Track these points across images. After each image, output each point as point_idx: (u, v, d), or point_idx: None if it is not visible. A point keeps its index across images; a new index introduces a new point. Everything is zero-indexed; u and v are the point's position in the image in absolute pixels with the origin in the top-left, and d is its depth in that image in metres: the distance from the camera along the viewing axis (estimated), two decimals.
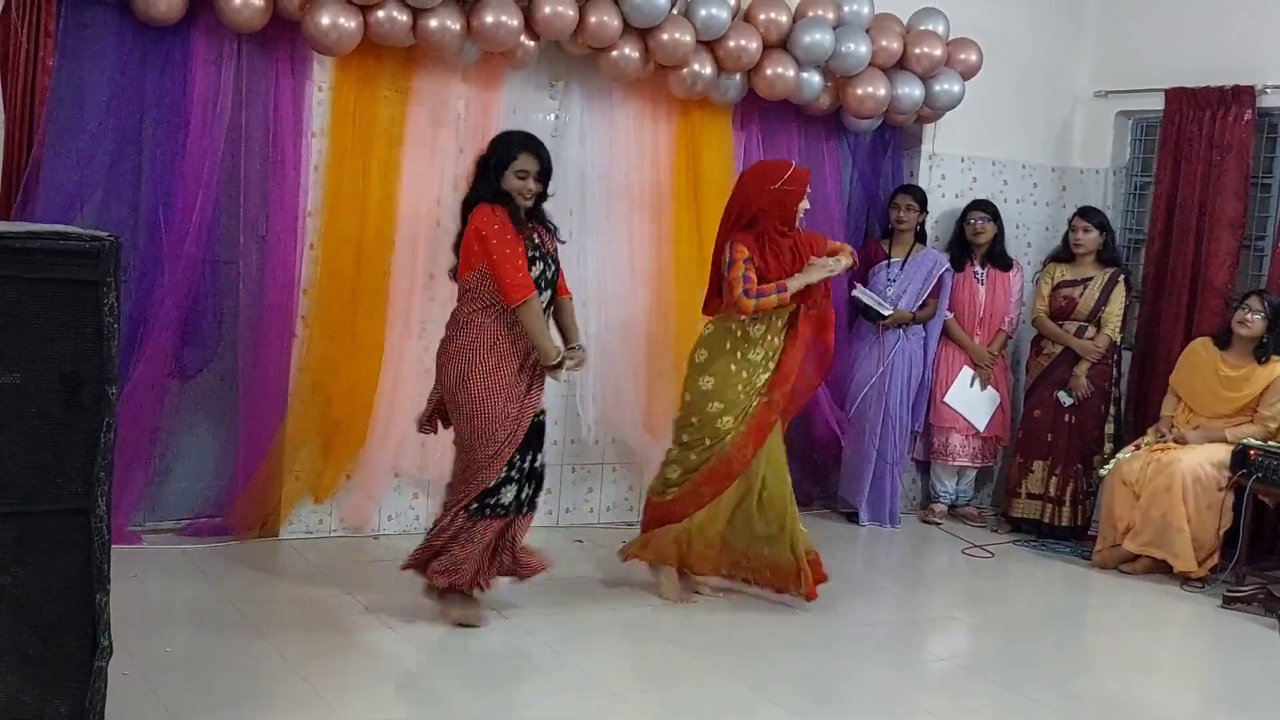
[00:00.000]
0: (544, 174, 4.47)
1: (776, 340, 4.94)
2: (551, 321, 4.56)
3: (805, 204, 4.91)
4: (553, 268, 4.51)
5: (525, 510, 4.56)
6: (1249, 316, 5.92)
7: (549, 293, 4.49)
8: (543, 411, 4.57)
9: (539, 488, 4.61)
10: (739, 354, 4.91)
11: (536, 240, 4.46)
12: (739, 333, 4.90)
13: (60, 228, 2.97)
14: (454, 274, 4.52)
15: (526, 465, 4.50)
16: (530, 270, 4.38)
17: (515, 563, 4.59)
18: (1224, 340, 6.06)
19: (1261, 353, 5.92)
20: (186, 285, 5.06)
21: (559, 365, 4.43)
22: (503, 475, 4.42)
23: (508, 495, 4.45)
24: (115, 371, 2.87)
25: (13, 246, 2.74)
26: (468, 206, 4.46)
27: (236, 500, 5.29)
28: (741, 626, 4.93)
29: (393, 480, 5.63)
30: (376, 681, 4.10)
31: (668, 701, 4.11)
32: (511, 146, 4.45)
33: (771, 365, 4.94)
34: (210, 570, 4.96)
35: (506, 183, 4.40)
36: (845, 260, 4.97)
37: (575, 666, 4.42)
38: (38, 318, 2.76)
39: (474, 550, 4.44)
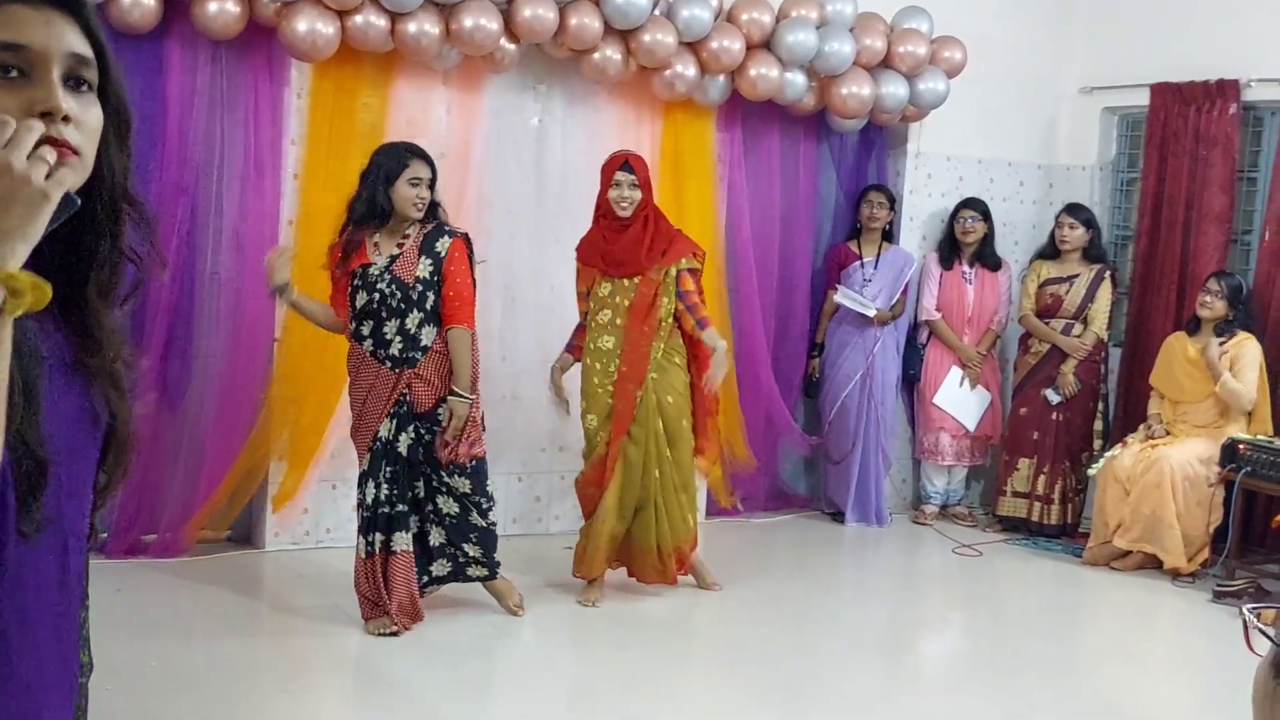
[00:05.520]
0: (433, 182, 4.43)
1: (621, 320, 4.87)
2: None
3: (620, 191, 4.78)
4: (398, 301, 4.32)
5: (375, 549, 4.38)
6: (1208, 299, 5.96)
7: (388, 323, 4.33)
8: (390, 441, 4.40)
9: (394, 531, 4.41)
10: (591, 344, 4.92)
11: (368, 269, 4.34)
12: (591, 322, 4.93)
13: None
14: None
15: (372, 496, 4.40)
16: (355, 299, 4.36)
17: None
18: (1193, 327, 6.09)
19: (1224, 329, 5.93)
20: (165, 295, 5.02)
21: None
22: (358, 496, 4.46)
23: (360, 519, 4.44)
24: None
25: None
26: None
27: (207, 512, 5.23)
28: (730, 629, 4.90)
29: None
30: (362, 692, 4.07)
31: (656, 706, 4.07)
32: (402, 155, 4.37)
33: (618, 352, 4.86)
34: (194, 582, 4.92)
35: (398, 192, 4.31)
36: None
37: (564, 672, 4.40)
38: None
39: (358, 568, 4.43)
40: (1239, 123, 6.37)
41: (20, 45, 1.21)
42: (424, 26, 5.08)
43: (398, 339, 4.34)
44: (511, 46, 5.36)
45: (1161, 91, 6.64)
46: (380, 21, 5.03)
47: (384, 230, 4.38)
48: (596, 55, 5.51)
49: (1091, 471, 6.17)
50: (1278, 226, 6.16)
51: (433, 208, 4.43)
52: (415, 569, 4.45)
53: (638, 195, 4.82)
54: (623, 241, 4.84)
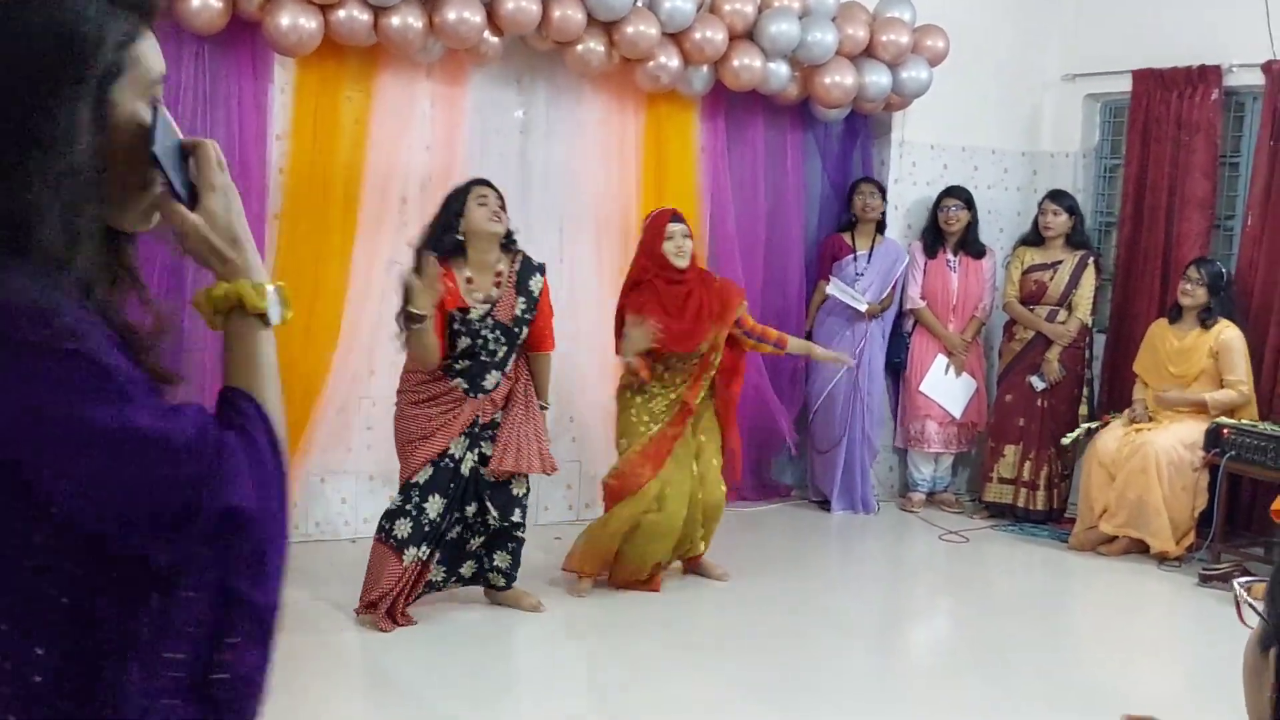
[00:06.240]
0: (503, 204, 4.50)
1: (674, 394, 4.97)
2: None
3: (675, 242, 4.88)
4: (502, 345, 4.46)
5: (424, 562, 4.45)
6: (1188, 287, 5.99)
7: (491, 372, 4.46)
8: (470, 465, 4.50)
9: (442, 554, 4.53)
10: (639, 399, 4.98)
11: (468, 314, 4.42)
12: (637, 385, 4.98)
13: None
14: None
15: (436, 511, 4.43)
16: (455, 342, 4.42)
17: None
18: (1175, 315, 6.11)
19: (1205, 316, 5.96)
20: (152, 292, 4.99)
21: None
22: (399, 503, 4.44)
23: (401, 528, 4.41)
24: None
25: None
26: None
27: None
28: (720, 619, 4.92)
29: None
30: (361, 688, 4.08)
31: (648, 698, 4.09)
32: (463, 185, 4.50)
33: (668, 405, 4.98)
34: None
35: (471, 216, 4.41)
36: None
37: (557, 664, 4.41)
38: None
39: (375, 573, 4.44)
40: (1221, 108, 6.39)
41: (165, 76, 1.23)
42: (407, 20, 5.07)
43: (495, 374, 4.50)
44: (495, 39, 5.36)
45: (1143, 78, 6.66)
46: (363, 15, 5.02)
47: (471, 264, 4.46)
48: (579, 47, 5.51)
49: (1066, 441, 6.22)
50: (1260, 211, 6.19)
51: (510, 237, 4.52)
52: (444, 568, 4.58)
53: (690, 245, 4.94)
54: (689, 307, 4.86)
